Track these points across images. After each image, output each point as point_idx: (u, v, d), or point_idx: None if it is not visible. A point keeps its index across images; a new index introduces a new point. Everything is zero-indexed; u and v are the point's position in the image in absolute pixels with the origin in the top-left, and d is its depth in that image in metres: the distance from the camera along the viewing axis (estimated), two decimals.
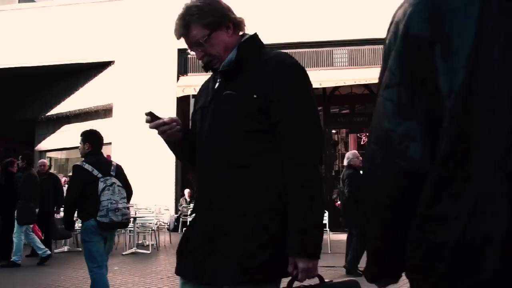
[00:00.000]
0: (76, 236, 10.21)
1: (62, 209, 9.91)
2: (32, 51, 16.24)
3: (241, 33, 1.97)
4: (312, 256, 1.69)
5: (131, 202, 12.12)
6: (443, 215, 0.94)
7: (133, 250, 9.12)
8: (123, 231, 9.80)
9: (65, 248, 9.59)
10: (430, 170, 0.96)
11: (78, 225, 7.35)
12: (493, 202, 0.89)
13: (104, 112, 15.95)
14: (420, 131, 0.97)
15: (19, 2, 19.68)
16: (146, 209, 10.56)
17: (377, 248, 1.11)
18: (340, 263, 7.01)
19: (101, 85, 16.22)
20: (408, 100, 0.99)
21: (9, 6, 17.96)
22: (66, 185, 10.29)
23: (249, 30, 2.05)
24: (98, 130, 4.97)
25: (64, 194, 12.83)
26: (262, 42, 1.98)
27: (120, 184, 4.47)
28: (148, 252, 9.32)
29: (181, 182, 14.61)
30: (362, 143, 14.11)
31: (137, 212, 10.16)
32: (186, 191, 13.97)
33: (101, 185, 4.29)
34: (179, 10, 1.89)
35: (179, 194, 14.27)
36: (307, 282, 1.74)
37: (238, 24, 1.95)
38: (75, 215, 4.91)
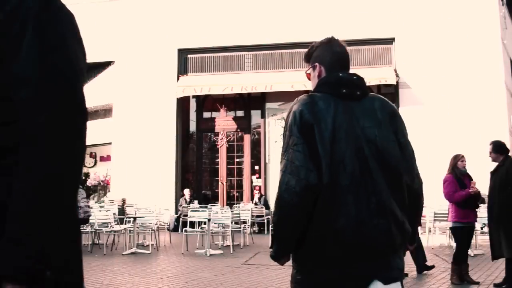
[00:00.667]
0: None
1: None
2: None
3: None
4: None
5: (131, 202, 12.24)
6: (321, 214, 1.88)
7: (133, 250, 9.12)
8: (122, 231, 9.82)
9: None
10: (320, 188, 1.83)
11: None
12: (346, 205, 1.84)
13: (104, 112, 15.96)
14: (314, 168, 1.84)
15: None
16: (146, 209, 10.56)
17: (286, 236, 1.94)
18: None
19: (101, 85, 16.22)
20: (307, 152, 1.85)
21: None
22: None
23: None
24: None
25: None
26: None
27: (81, 185, 4.75)
28: (148, 252, 9.32)
29: (181, 182, 14.61)
30: None
31: (137, 212, 10.16)
32: (186, 191, 13.97)
33: None
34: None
35: (179, 194, 14.27)
36: None
37: None
38: None
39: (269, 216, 11.98)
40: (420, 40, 13.15)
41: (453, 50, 12.95)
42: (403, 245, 2.04)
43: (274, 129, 14.78)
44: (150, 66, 14.76)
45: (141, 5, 15.21)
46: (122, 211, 13.12)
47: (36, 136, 1.03)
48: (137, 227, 9.55)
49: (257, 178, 14.92)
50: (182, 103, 14.95)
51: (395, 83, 13.20)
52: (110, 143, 15.22)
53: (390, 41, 13.64)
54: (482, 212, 7.56)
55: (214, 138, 15.48)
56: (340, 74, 2.12)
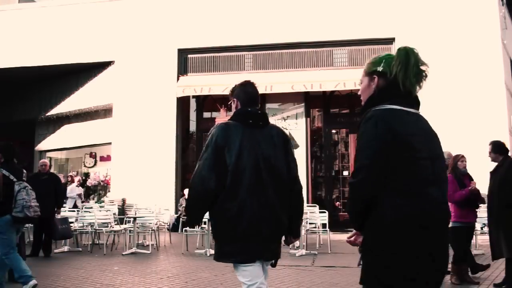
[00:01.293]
0: (76, 237, 10.22)
1: (62, 209, 9.96)
2: (32, 51, 16.25)
3: None
4: None
5: (130, 202, 12.29)
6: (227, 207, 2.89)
7: (133, 250, 9.12)
8: (123, 231, 9.82)
9: (65, 248, 9.59)
10: (219, 188, 2.83)
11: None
12: (244, 199, 2.82)
13: (104, 112, 15.95)
14: (216, 177, 2.81)
15: (19, 2, 19.68)
16: (146, 209, 10.56)
17: (193, 215, 3.03)
18: (340, 263, 7.00)
19: (101, 85, 16.22)
20: (212, 164, 2.82)
21: (9, 6, 17.97)
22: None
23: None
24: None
25: (66, 194, 12.92)
26: None
27: (31, 187, 5.57)
28: (148, 252, 9.32)
29: (181, 182, 14.60)
30: None
31: (137, 212, 10.16)
32: (186, 191, 13.94)
33: (16, 187, 5.41)
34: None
35: (179, 194, 14.26)
36: None
37: None
38: None
39: None
40: (420, 40, 13.13)
41: (453, 50, 12.95)
42: (281, 233, 3.00)
43: None
44: (150, 66, 14.76)
45: (141, 5, 15.21)
46: (122, 211, 13.12)
47: None
48: (137, 227, 9.55)
49: None
50: (182, 103, 14.94)
51: None
52: (110, 143, 15.22)
53: (390, 41, 13.64)
54: (482, 212, 7.55)
55: None
56: (249, 109, 3.01)
